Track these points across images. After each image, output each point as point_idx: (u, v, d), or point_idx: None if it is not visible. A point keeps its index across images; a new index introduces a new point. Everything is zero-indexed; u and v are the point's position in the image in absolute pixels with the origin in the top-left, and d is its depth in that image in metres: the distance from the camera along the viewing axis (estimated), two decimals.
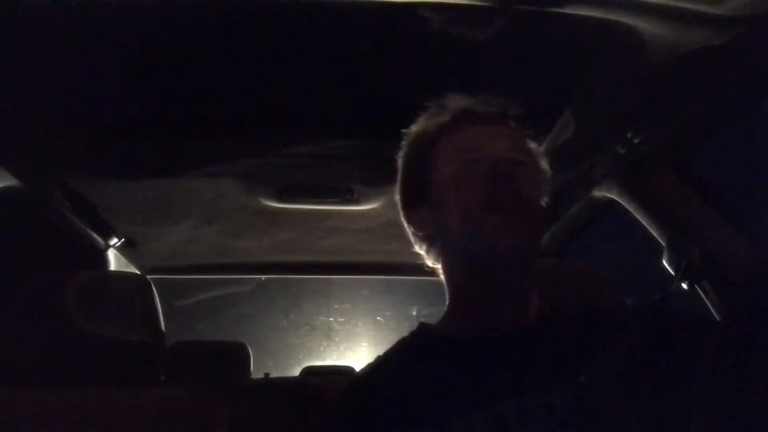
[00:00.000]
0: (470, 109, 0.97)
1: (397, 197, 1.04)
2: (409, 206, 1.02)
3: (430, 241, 0.99)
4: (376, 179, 1.63)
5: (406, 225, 1.03)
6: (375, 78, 1.34)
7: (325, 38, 1.20)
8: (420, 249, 1.01)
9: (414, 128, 1.02)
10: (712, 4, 0.90)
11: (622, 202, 1.49)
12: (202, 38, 1.20)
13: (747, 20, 0.92)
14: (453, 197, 0.92)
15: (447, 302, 0.98)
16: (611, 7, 0.96)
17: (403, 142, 1.03)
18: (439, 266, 1.00)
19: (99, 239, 1.93)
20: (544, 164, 1.00)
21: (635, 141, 1.32)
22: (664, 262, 1.34)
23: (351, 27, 1.16)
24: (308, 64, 1.29)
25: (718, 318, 1.22)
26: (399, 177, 1.04)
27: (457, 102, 0.98)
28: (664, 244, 1.36)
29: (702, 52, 1.01)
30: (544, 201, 0.97)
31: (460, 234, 0.91)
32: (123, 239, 2.00)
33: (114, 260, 2.07)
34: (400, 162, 1.04)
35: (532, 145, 0.99)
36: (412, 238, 1.02)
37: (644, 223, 1.43)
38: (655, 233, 1.40)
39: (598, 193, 1.58)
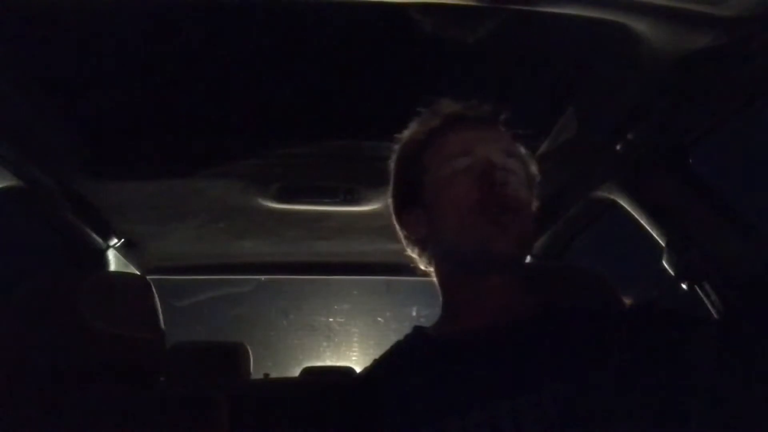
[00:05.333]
0: (461, 114, 0.99)
1: (390, 201, 1.05)
2: (401, 210, 1.03)
3: (422, 244, 1.00)
4: (377, 180, 1.62)
5: (398, 228, 1.04)
6: (376, 79, 1.34)
7: (326, 39, 1.20)
8: (412, 252, 1.03)
9: (406, 133, 1.04)
10: (712, 4, 0.90)
11: (622, 203, 1.49)
12: (202, 38, 1.20)
13: (747, 21, 0.92)
14: (445, 201, 0.93)
15: (441, 305, 0.99)
16: (611, 8, 0.96)
17: (395, 147, 1.05)
18: (432, 269, 1.01)
19: (99, 239, 1.93)
20: (534, 168, 1.01)
21: (635, 141, 1.32)
22: (664, 263, 1.34)
23: (353, 28, 1.16)
24: (309, 65, 1.29)
25: (718, 318, 1.22)
26: (392, 181, 1.06)
27: (448, 107, 1.00)
28: (663, 244, 1.36)
29: (702, 53, 1.01)
30: (535, 204, 0.98)
31: (452, 237, 0.93)
32: (123, 239, 2.00)
33: (114, 260, 2.07)
34: (392, 166, 1.05)
35: (522, 149, 1.00)
36: (404, 242, 1.04)
37: (644, 223, 1.43)
38: (655, 234, 1.40)
39: (599, 194, 1.58)
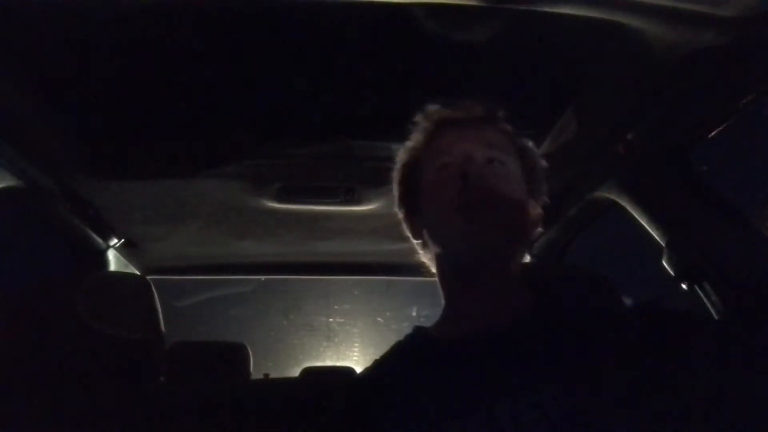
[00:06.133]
0: (450, 117, 1.00)
1: (389, 200, 1.07)
2: (407, 216, 1.06)
3: (426, 247, 1.01)
4: (377, 180, 1.63)
5: (410, 237, 1.06)
6: (376, 79, 1.34)
7: (326, 39, 1.20)
8: (424, 258, 1.05)
9: (407, 143, 1.05)
10: (712, 4, 0.90)
11: (622, 203, 1.49)
12: (202, 39, 1.20)
13: (747, 21, 0.92)
14: (432, 201, 0.95)
15: (442, 305, 0.99)
16: (612, 8, 0.96)
17: (396, 151, 1.07)
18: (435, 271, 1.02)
19: (99, 239, 1.93)
20: (534, 162, 1.02)
21: (635, 141, 1.32)
22: (664, 263, 1.34)
23: (353, 28, 1.16)
24: (309, 65, 1.29)
25: (717, 318, 1.22)
26: (395, 190, 1.08)
27: (438, 112, 1.02)
28: (663, 244, 1.36)
29: (702, 53, 1.01)
30: (539, 197, 0.99)
31: (440, 236, 0.95)
32: (123, 239, 2.00)
33: (114, 260, 2.07)
34: (395, 176, 1.08)
35: (518, 143, 1.01)
36: (416, 248, 1.05)
37: (644, 223, 1.43)
38: (655, 234, 1.40)
39: (599, 194, 1.58)
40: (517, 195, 0.93)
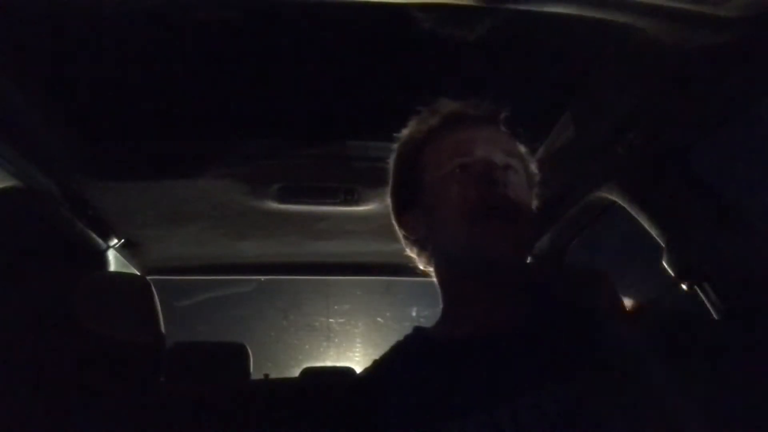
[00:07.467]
0: (461, 112, 0.97)
1: (389, 200, 1.05)
2: (400, 209, 1.02)
3: (421, 244, 1.00)
4: (377, 180, 1.62)
5: (397, 228, 1.03)
6: (376, 79, 1.34)
7: (325, 39, 1.20)
8: (411, 252, 1.02)
9: (405, 132, 1.02)
10: (712, 5, 0.90)
11: (622, 203, 1.49)
12: (202, 39, 1.20)
13: (747, 21, 0.92)
14: (445, 201, 0.92)
15: (441, 305, 0.98)
16: (612, 8, 0.96)
17: (394, 145, 1.04)
18: (431, 269, 1.00)
19: (99, 239, 1.93)
20: (534, 167, 1.01)
21: (635, 141, 1.32)
22: (664, 263, 1.34)
23: (353, 28, 1.16)
24: (309, 65, 1.29)
25: (717, 318, 1.22)
26: (390, 180, 1.05)
27: (447, 105, 0.99)
28: (663, 244, 1.36)
29: (702, 53, 1.01)
30: (534, 205, 0.98)
31: (451, 240, 0.92)
32: (123, 240, 2.00)
33: (114, 260, 2.07)
34: (391, 165, 1.04)
35: (522, 148, 0.99)
36: (403, 241, 1.03)
37: (644, 224, 1.43)
38: (655, 234, 1.40)
39: (599, 194, 1.58)
40: (530, 204, 0.94)
